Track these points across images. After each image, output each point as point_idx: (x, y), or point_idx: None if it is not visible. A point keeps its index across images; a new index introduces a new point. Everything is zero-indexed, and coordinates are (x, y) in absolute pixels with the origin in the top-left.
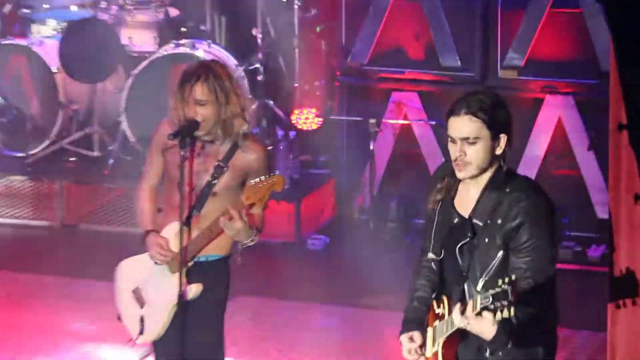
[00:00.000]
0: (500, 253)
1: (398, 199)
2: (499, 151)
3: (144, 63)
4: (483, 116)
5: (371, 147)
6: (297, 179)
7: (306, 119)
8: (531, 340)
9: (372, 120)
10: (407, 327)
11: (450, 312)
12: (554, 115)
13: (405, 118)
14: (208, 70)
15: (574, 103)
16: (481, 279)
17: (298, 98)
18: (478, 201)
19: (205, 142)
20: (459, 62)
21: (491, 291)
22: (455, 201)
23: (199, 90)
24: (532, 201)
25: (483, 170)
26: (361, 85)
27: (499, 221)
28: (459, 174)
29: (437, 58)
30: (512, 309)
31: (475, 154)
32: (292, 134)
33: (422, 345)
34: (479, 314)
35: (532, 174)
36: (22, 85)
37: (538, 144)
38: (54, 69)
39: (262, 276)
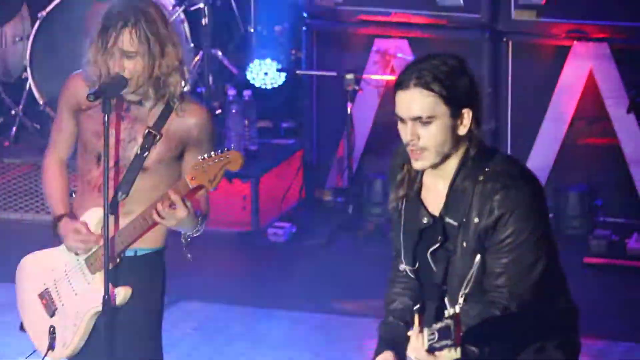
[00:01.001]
0: (478, 258)
1: (384, 176)
2: (462, 131)
3: (55, 2)
4: (438, 88)
5: (348, 111)
6: (254, 151)
7: (265, 74)
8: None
9: (350, 76)
10: (380, 346)
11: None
12: (584, 67)
13: (392, 73)
14: (138, 12)
15: (609, 52)
16: (461, 292)
17: (254, 47)
18: (448, 196)
19: (131, 102)
20: (461, 1)
21: (436, 326)
22: (422, 196)
23: (127, 39)
24: (509, 191)
25: (446, 157)
26: (335, 31)
27: (476, 219)
28: (416, 164)
29: None
30: (458, 350)
31: (431, 137)
32: (247, 93)
33: None
34: (429, 351)
35: (556, 144)
36: None
37: (563, 106)
38: None
39: (211, 275)
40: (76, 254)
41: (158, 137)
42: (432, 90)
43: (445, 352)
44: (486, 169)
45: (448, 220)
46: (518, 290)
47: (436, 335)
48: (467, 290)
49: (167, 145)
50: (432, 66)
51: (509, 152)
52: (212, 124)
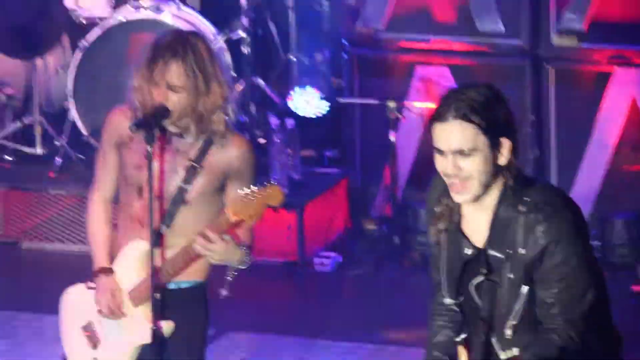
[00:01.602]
0: (526, 289)
1: None
2: (502, 161)
3: (95, 32)
4: (477, 119)
5: (392, 139)
6: (298, 180)
7: (307, 102)
8: None
9: (392, 103)
10: None
11: None
12: (626, 93)
13: (433, 100)
14: (187, 46)
15: None
16: (509, 325)
17: (296, 75)
18: (492, 227)
19: (172, 135)
20: (502, 27)
21: None
22: (463, 227)
23: (175, 72)
24: (552, 221)
25: (487, 188)
26: (376, 58)
27: (522, 251)
28: (457, 197)
29: (472, 21)
30: None
31: (473, 169)
32: (289, 122)
33: None
34: None
35: (601, 170)
36: None
37: (607, 132)
38: None
39: (258, 306)
40: (99, 311)
41: (200, 169)
42: (471, 121)
43: None
44: (527, 199)
45: (492, 252)
46: (573, 318)
47: None
48: (515, 322)
49: (208, 178)
50: (468, 97)
51: (553, 179)
52: (253, 154)
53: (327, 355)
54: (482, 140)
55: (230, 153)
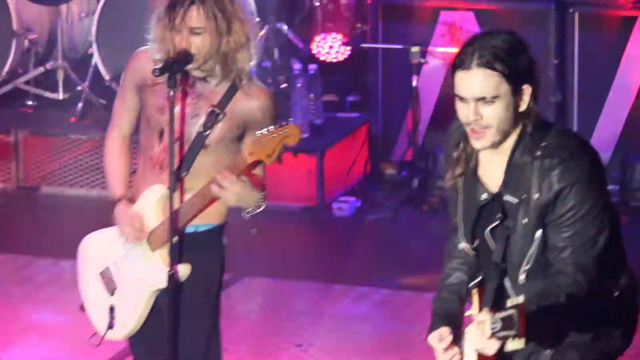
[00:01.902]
0: (539, 233)
1: None
2: (522, 107)
3: None
4: (501, 67)
5: (414, 84)
6: (319, 125)
7: (330, 47)
8: (596, 326)
9: (415, 49)
10: (435, 322)
11: (480, 310)
12: None
13: (457, 45)
14: None
15: None
16: (522, 270)
17: (319, 21)
18: (506, 172)
19: (196, 79)
20: None
21: (500, 314)
22: (479, 172)
23: (195, 16)
24: (567, 165)
25: (506, 135)
26: (400, 4)
27: (536, 195)
28: (476, 144)
29: None
30: (522, 341)
31: (495, 116)
32: (312, 67)
33: (456, 343)
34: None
35: (623, 114)
36: None
37: (630, 76)
38: None
39: (275, 251)
40: (126, 240)
41: (221, 115)
42: (494, 69)
43: (508, 342)
44: (543, 144)
45: (507, 197)
46: (583, 262)
47: (499, 324)
48: (528, 267)
49: (229, 125)
50: (491, 45)
51: (575, 123)
52: (276, 107)
53: (342, 300)
54: (504, 88)
55: (252, 103)
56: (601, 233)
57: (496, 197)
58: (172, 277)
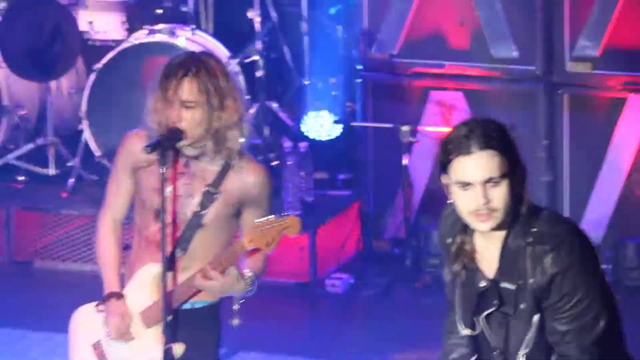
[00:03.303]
0: (537, 317)
1: None
2: (519, 190)
3: (110, 55)
4: (500, 147)
5: (405, 162)
6: (310, 202)
7: (320, 126)
8: None
9: (405, 128)
10: None
11: None
12: None
13: (447, 124)
14: (199, 63)
15: None
16: (521, 354)
17: (309, 99)
18: (501, 258)
19: (189, 158)
20: (516, 53)
21: None
22: (477, 259)
23: (187, 89)
24: (559, 252)
25: (508, 217)
26: (390, 83)
27: (531, 280)
28: (481, 226)
29: (487, 47)
30: None
31: (502, 197)
32: (303, 145)
33: None
34: None
35: (614, 195)
36: None
37: (620, 157)
38: None
39: (269, 326)
40: (108, 335)
41: (216, 195)
42: (496, 149)
43: None
44: (533, 230)
45: (504, 284)
46: (585, 345)
47: None
48: (527, 351)
49: (225, 203)
50: (486, 128)
51: (566, 203)
52: (270, 182)
53: None
54: (506, 166)
55: (247, 180)
56: (601, 314)
57: (493, 284)
58: (167, 353)
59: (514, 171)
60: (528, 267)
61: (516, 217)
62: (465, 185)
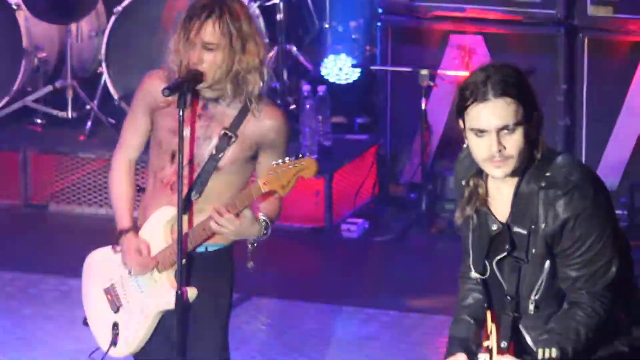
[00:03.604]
0: (548, 263)
1: None
2: (534, 135)
3: None
4: (516, 94)
5: (423, 106)
6: (328, 147)
7: (339, 69)
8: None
9: (424, 72)
10: (452, 346)
11: (499, 346)
12: None
13: (467, 68)
14: (223, 6)
15: None
16: (531, 300)
17: (329, 43)
18: (514, 203)
19: (208, 100)
20: None
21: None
22: (489, 202)
23: (209, 30)
24: (572, 197)
25: (523, 163)
26: (410, 26)
27: (542, 225)
28: (496, 172)
29: None
30: None
31: (516, 145)
32: (321, 89)
33: None
34: None
35: (632, 139)
36: None
37: (638, 102)
38: (13, 5)
39: (283, 271)
40: (129, 272)
41: (234, 138)
42: (512, 96)
43: None
44: (547, 174)
45: (516, 229)
46: (597, 290)
47: None
48: (536, 297)
49: (241, 147)
50: (502, 74)
51: (583, 148)
52: (288, 126)
53: (350, 322)
54: (521, 114)
55: (265, 124)
56: (612, 261)
57: (505, 228)
58: (179, 297)
59: (529, 118)
60: (540, 211)
61: (531, 163)
62: (480, 132)
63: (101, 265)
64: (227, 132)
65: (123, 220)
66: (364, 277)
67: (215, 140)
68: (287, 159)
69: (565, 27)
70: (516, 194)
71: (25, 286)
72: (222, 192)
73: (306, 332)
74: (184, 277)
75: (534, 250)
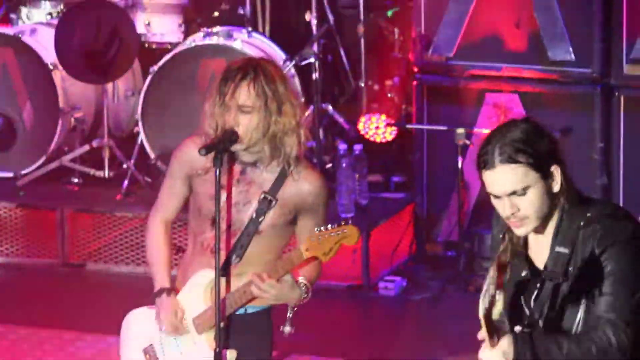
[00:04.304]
0: (583, 304)
1: None
2: (556, 188)
3: (166, 57)
4: (523, 158)
5: (459, 165)
6: (364, 205)
7: (376, 128)
8: None
9: (461, 130)
10: None
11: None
12: None
13: None
14: (258, 68)
15: None
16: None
17: (365, 102)
18: (552, 249)
19: (246, 165)
20: (572, 55)
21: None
22: (528, 252)
23: (244, 93)
24: (609, 227)
25: (547, 217)
26: (446, 85)
27: (579, 264)
28: (518, 232)
29: (543, 50)
30: None
31: (530, 205)
32: (357, 147)
33: None
34: None
35: None
36: (11, 86)
37: None
38: (50, 66)
39: (321, 329)
40: (160, 329)
41: (274, 202)
42: (517, 162)
43: None
44: (587, 215)
45: (550, 270)
46: (616, 322)
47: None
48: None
49: (281, 210)
50: (509, 138)
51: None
52: (327, 190)
53: None
54: (532, 176)
55: (304, 188)
56: (638, 290)
57: (538, 273)
58: (218, 354)
59: (546, 174)
60: (579, 252)
61: (564, 212)
62: (494, 196)
63: (140, 325)
64: (267, 195)
65: (161, 280)
66: (401, 335)
67: (255, 204)
68: (329, 225)
69: (601, 86)
70: (555, 239)
71: (63, 344)
72: (262, 255)
73: None
74: (221, 339)
75: (570, 292)
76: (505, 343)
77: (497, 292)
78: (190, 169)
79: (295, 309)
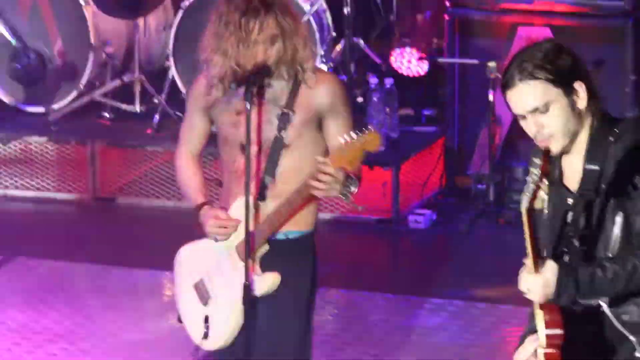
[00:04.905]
0: (619, 219)
1: (525, 164)
2: (581, 104)
3: None
4: (542, 74)
5: (490, 98)
6: (395, 138)
7: (408, 62)
8: None
9: (492, 64)
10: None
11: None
12: None
13: None
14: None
15: None
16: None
17: (396, 36)
18: (585, 171)
19: (264, 87)
20: None
21: None
22: (564, 180)
23: (273, 24)
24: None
25: (575, 134)
26: (477, 19)
27: (611, 181)
28: (548, 149)
29: None
30: None
31: (553, 122)
32: (388, 81)
33: None
34: None
35: None
36: (42, 22)
37: None
38: (81, 1)
39: (351, 262)
40: (215, 240)
41: (291, 114)
42: (537, 77)
43: None
44: (615, 130)
45: (584, 188)
46: None
47: None
48: (610, 255)
49: (302, 119)
50: (528, 56)
51: None
52: (342, 88)
53: (417, 312)
54: (553, 92)
55: (319, 90)
56: None
57: (578, 198)
58: (247, 289)
59: (569, 91)
60: (609, 169)
61: (594, 130)
62: (520, 116)
63: (190, 261)
64: (285, 109)
65: (196, 197)
66: (430, 267)
67: (275, 122)
68: (351, 134)
69: (633, 19)
70: (586, 160)
71: (93, 278)
72: (295, 171)
73: (373, 322)
74: (260, 265)
75: (606, 210)
76: (549, 270)
77: (543, 179)
78: (205, 101)
79: (350, 195)
